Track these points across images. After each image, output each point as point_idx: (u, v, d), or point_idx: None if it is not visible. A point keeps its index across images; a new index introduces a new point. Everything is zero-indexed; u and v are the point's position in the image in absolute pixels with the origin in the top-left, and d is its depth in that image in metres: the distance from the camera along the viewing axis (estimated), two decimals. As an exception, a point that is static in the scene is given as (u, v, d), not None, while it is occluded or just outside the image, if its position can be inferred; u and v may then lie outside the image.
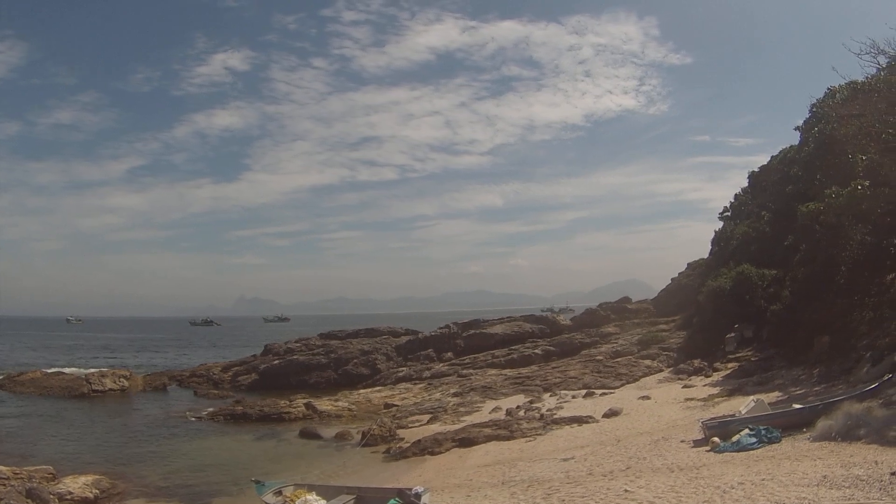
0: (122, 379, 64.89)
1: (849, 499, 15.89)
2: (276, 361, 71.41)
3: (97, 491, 28.54)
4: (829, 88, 41.33)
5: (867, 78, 38.31)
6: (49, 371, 74.93)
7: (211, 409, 51.47)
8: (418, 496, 18.90)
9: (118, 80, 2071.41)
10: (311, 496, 20.72)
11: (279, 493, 21.29)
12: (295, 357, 71.54)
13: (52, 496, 26.73)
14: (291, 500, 20.65)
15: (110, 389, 62.59)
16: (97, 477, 30.09)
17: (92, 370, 72.98)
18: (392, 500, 19.06)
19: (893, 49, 40.24)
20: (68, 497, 27.42)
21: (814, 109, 48.22)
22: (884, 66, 40.33)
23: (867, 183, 36.76)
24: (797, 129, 53.81)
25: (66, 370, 78.27)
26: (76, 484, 28.63)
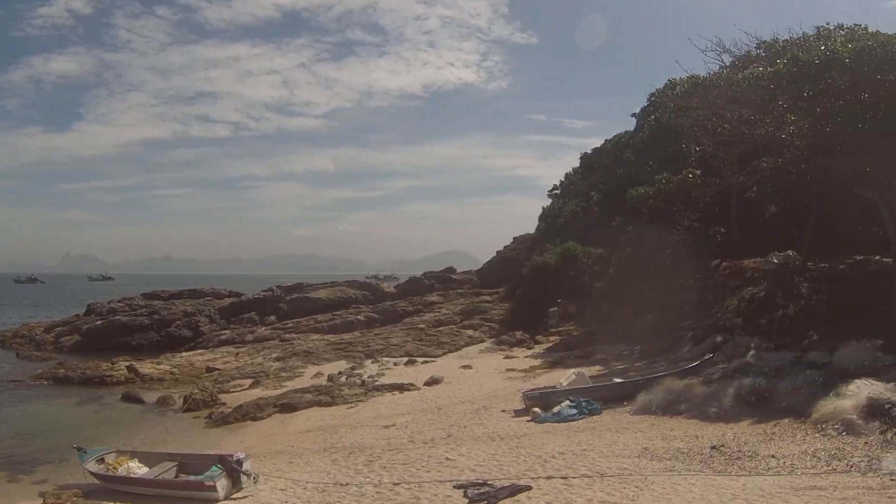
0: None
1: (670, 470, 16.07)
2: (98, 322, 68.47)
3: None
4: (669, 80, 42.28)
5: (709, 74, 39.44)
6: None
7: (33, 372, 48.95)
8: (240, 462, 18.38)
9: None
10: (134, 463, 20.22)
11: (101, 460, 20.53)
12: (118, 317, 68.65)
13: None
14: (114, 468, 20.17)
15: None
16: None
17: None
18: (214, 467, 18.46)
19: (739, 49, 41.74)
20: None
21: (652, 98, 49.35)
22: (727, 64, 41.72)
23: (699, 172, 37.80)
24: (634, 115, 55.05)
25: None
26: None
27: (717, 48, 43.10)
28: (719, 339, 29.59)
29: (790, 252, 33.44)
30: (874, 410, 17.51)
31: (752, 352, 25.82)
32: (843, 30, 33.56)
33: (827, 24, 34.98)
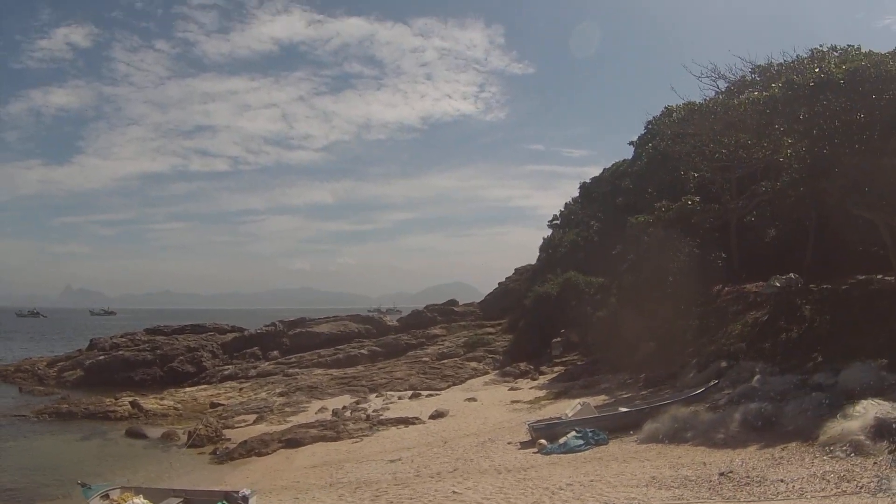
0: (-60, 375, 60.66)
1: (678, 499, 15.97)
2: (101, 357, 68.06)
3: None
4: (666, 107, 42.53)
5: (705, 100, 39.58)
6: None
7: (36, 407, 48.50)
8: (246, 499, 18.23)
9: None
10: (139, 500, 19.92)
11: (106, 496, 20.27)
12: (120, 352, 68.31)
13: None
14: None
15: (-73, 386, 58.36)
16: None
17: None
18: (220, 503, 18.26)
19: (734, 75, 41.91)
20: None
21: (649, 126, 49.58)
22: (723, 89, 41.88)
23: (698, 198, 37.86)
24: (631, 143, 55.26)
25: None
26: None
27: (713, 74, 43.32)
28: (724, 364, 29.39)
29: (792, 275, 33.42)
30: (882, 430, 17.40)
31: (757, 376, 25.64)
32: (836, 51, 33.85)
33: (820, 46, 35.24)
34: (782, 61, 38.92)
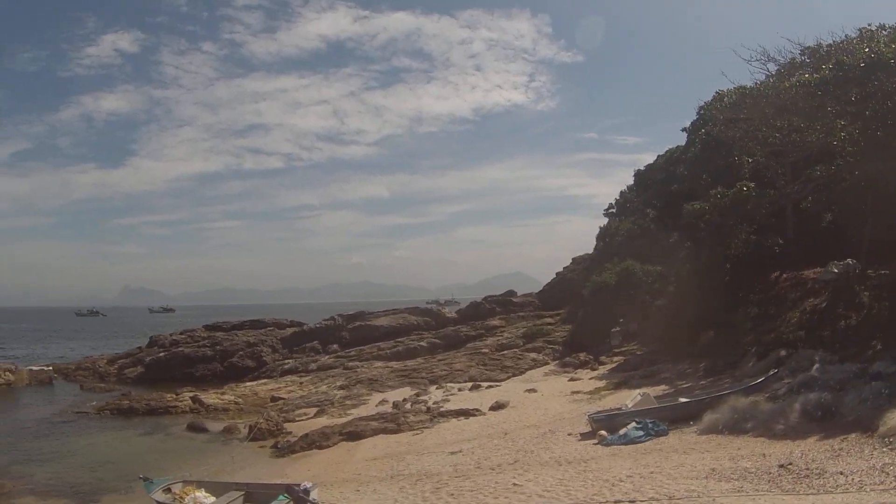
0: (6, 373, 61.57)
1: (738, 491, 16.00)
2: (161, 354, 69.48)
3: (-18, 490, 27.21)
4: (717, 92, 42.08)
5: (756, 83, 39.14)
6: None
7: (97, 404, 49.52)
8: (307, 491, 18.44)
9: (3, 58, 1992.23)
10: (200, 493, 20.27)
11: (168, 490, 20.68)
12: (180, 349, 69.62)
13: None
14: (181, 498, 20.13)
15: (-6, 384, 59.69)
16: (-19, 477, 28.70)
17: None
18: (281, 496, 18.69)
19: (784, 57, 41.37)
20: (-49, 497, 26.10)
21: (701, 112, 49.07)
22: (773, 73, 41.34)
23: (752, 184, 37.55)
24: (684, 130, 54.80)
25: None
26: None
27: (762, 57, 42.69)
28: (783, 353, 29.12)
29: (850, 260, 32.98)
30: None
31: (816, 365, 25.34)
32: (885, 30, 33.19)
33: (869, 25, 34.64)
34: (831, 42, 38.37)
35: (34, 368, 68.33)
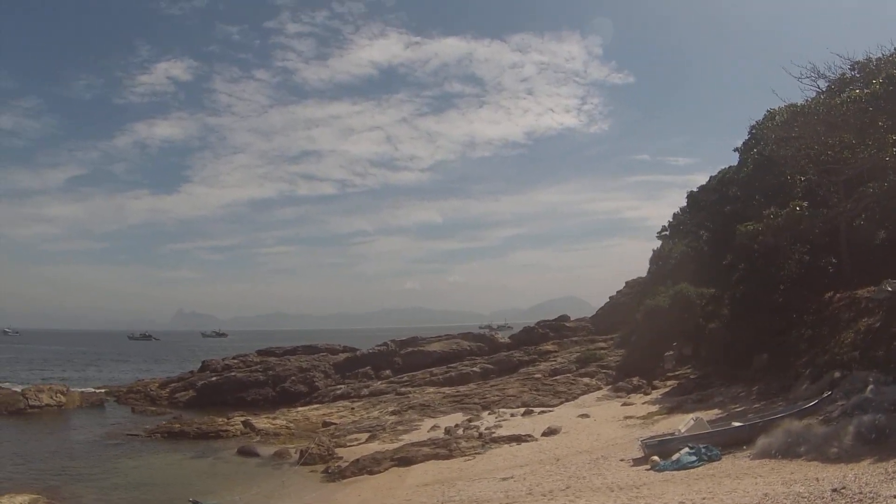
0: (58, 395, 62.76)
1: (791, 516, 15.80)
2: (213, 378, 70.54)
3: (34, 510, 27.64)
4: (768, 111, 41.79)
5: (806, 101, 38.75)
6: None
7: (148, 427, 50.42)
8: None
9: (60, 85, 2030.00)
10: None
11: None
12: (233, 374, 70.60)
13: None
14: None
15: (47, 405, 60.42)
16: (33, 496, 29.00)
17: (28, 385, 70.34)
18: None
19: (833, 73, 40.93)
20: (4, 518, 26.53)
21: (753, 131, 48.73)
22: (823, 89, 40.91)
23: (805, 203, 37.11)
24: (736, 150, 54.39)
25: (2, 385, 76.22)
26: (13, 504, 27.71)
27: (812, 74, 42.30)
28: (837, 374, 28.62)
29: (904, 278, 32.43)
30: None
31: (870, 386, 24.94)
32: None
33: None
34: (881, 55, 37.94)
35: (86, 391, 69.70)
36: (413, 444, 37.41)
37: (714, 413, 32.55)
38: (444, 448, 35.77)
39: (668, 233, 73.69)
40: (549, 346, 70.57)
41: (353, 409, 56.03)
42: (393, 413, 50.75)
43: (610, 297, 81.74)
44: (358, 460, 34.69)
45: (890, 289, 31.93)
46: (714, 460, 23.50)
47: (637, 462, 25.79)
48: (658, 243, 74.83)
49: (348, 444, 41.25)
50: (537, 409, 46.15)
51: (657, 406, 39.79)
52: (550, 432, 36.92)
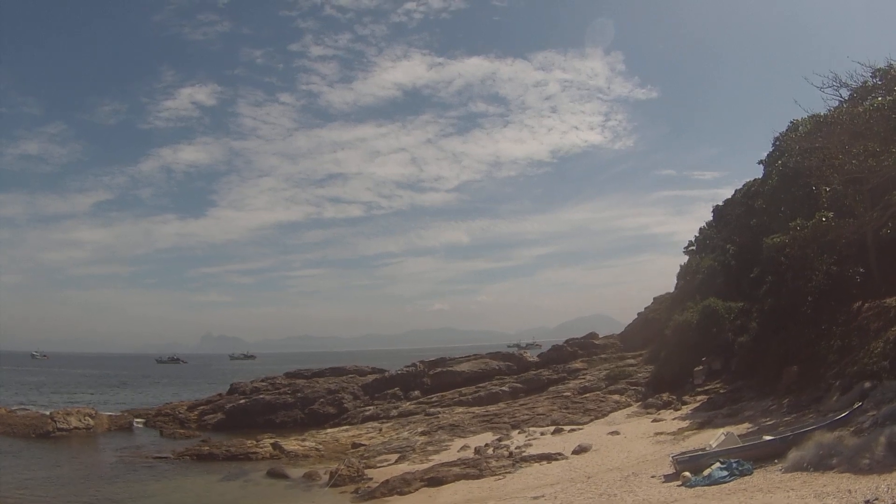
0: (87, 417, 63.27)
1: (823, 529, 15.68)
2: (242, 401, 70.74)
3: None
4: (791, 122, 41.74)
5: (829, 111, 38.59)
6: (13, 408, 73.37)
7: (177, 449, 50.70)
8: None
9: (85, 112, 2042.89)
10: None
11: None
12: (261, 396, 70.79)
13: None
14: None
15: (75, 428, 60.92)
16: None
17: (57, 408, 70.85)
18: None
19: (855, 81, 40.72)
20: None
21: (777, 143, 48.57)
22: (846, 98, 40.72)
23: (831, 214, 36.91)
24: (761, 162, 54.26)
25: (31, 408, 76.96)
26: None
27: (835, 83, 42.13)
28: (867, 385, 28.35)
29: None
30: None
31: (901, 396, 24.87)
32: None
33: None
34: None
35: (114, 414, 70.10)
36: (443, 465, 37.42)
37: (745, 427, 32.33)
38: (475, 468, 35.73)
39: (694, 247, 73.63)
40: (577, 364, 70.28)
41: (382, 430, 56.10)
42: (422, 433, 50.75)
43: (638, 314, 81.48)
44: (388, 481, 34.74)
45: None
46: (746, 475, 23.35)
47: (668, 478, 25.69)
48: (685, 258, 74.70)
49: (378, 465, 41.34)
50: (567, 428, 46.02)
51: (688, 421, 39.55)
52: (581, 450, 36.82)
